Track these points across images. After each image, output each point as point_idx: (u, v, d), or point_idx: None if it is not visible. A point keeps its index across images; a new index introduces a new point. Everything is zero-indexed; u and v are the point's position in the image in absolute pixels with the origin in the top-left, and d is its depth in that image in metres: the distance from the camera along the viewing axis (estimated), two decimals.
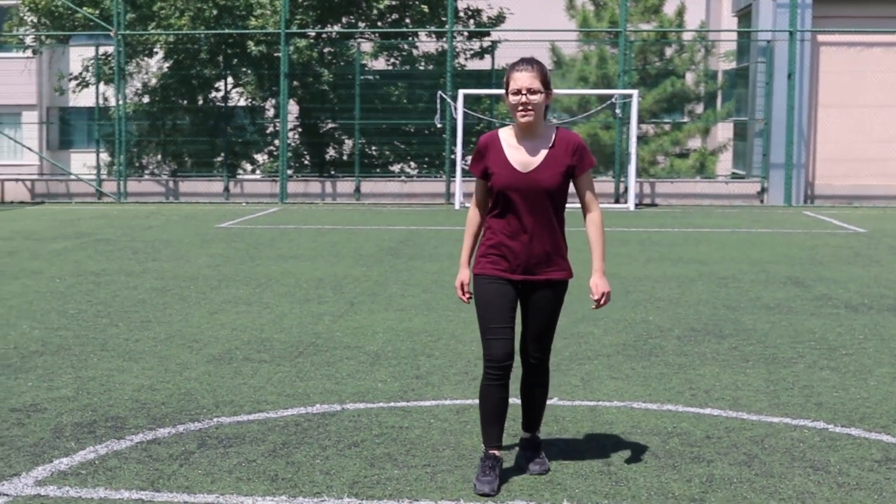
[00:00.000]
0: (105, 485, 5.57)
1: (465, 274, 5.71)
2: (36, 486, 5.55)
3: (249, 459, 6.02)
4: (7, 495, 5.42)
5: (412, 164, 31.20)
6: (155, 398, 7.37)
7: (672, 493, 5.48)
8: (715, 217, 23.19)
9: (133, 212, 24.58)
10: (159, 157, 31.56)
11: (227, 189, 28.19)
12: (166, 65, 30.76)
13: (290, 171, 28.78)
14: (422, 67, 31.26)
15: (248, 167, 32.11)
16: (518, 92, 5.44)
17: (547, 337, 5.76)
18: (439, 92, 26.83)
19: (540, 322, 5.67)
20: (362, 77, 28.63)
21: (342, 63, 29.70)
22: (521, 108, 5.45)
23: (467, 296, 5.70)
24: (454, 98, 26.55)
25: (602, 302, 5.70)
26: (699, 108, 34.09)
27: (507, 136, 5.60)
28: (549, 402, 7.28)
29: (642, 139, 32.04)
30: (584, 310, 10.98)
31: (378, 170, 30.46)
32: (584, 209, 5.67)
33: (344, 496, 5.43)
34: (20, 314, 10.64)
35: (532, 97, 5.43)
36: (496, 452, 5.62)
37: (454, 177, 26.36)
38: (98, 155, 29.34)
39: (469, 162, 5.72)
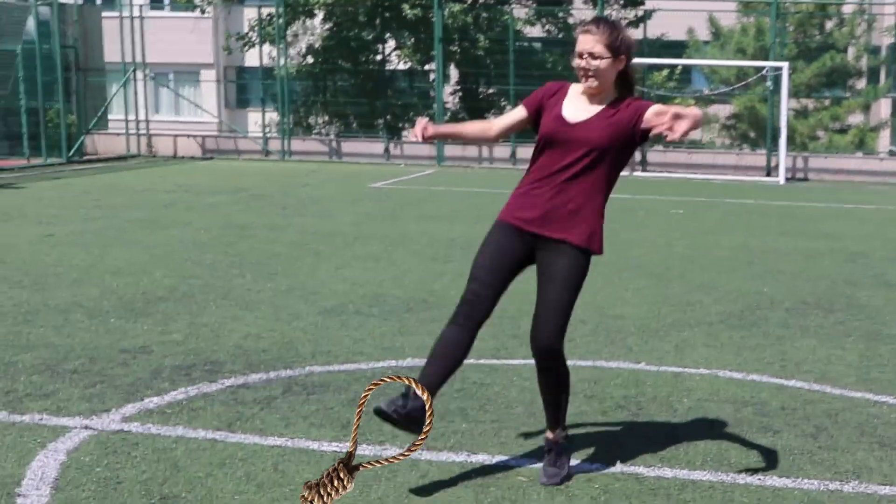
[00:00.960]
0: (185, 424, 5.93)
1: (423, 121, 5.17)
2: (121, 423, 5.93)
3: (328, 407, 6.31)
4: (94, 429, 5.81)
5: None
6: (257, 345, 7.74)
7: (728, 461, 5.57)
8: (864, 193, 22.67)
9: (294, 169, 25.26)
10: (325, 117, 32.23)
11: (387, 150, 28.68)
12: (326, 26, 31.35)
13: None
14: None
15: (409, 130, 32.54)
16: (580, 55, 4.99)
17: (556, 312, 5.07)
18: None
19: (550, 290, 5.06)
20: (517, 44, 28.72)
21: (497, 28, 29.84)
22: (581, 73, 5.02)
23: (420, 129, 5.15)
24: None
25: (675, 123, 4.66)
26: (860, 84, 33.22)
27: (575, 90, 5.14)
28: (635, 366, 7.43)
29: (801, 114, 31.42)
30: (699, 279, 11.01)
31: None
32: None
33: (405, 446, 5.66)
34: (158, 262, 11.18)
35: (594, 62, 4.95)
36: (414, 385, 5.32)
37: None
38: (264, 114, 30.16)
39: None
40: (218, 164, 26.54)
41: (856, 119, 33.16)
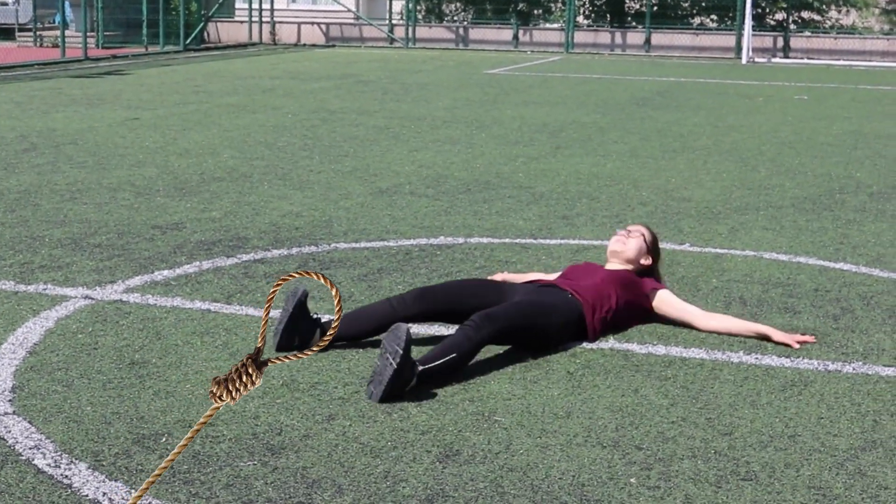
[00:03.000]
0: (184, 296, 5.86)
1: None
2: (122, 293, 5.89)
3: (336, 281, 6.17)
4: (92, 299, 5.78)
5: (709, 16, 30.28)
6: (294, 223, 7.63)
7: (734, 340, 5.25)
8: None
9: (413, 56, 25.04)
10: (458, 3, 31.84)
11: (516, 37, 28.22)
12: None
13: (582, 21, 28.50)
14: None
15: (541, 16, 31.97)
16: (626, 229, 5.71)
17: (517, 312, 4.91)
18: None
19: (525, 299, 5.07)
20: None
21: None
22: (619, 233, 5.68)
23: None
24: None
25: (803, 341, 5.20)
26: None
27: None
28: (678, 247, 7.13)
29: None
30: (790, 163, 10.57)
31: (671, 22, 29.71)
32: (696, 323, 5.36)
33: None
34: (230, 144, 11.15)
35: (633, 237, 5.63)
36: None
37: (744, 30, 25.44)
38: (390, 2, 29.92)
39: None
40: (337, 52, 26.48)
41: None
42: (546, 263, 6.61)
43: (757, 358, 5.01)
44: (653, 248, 5.58)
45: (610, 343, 5.18)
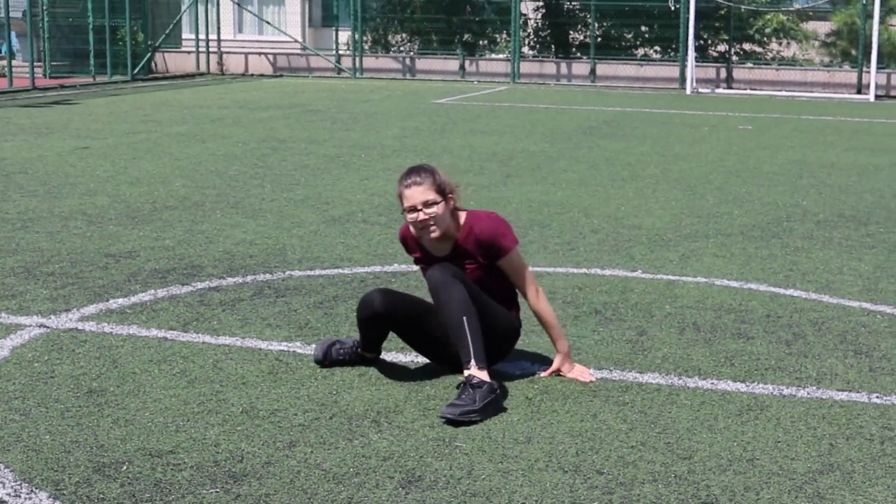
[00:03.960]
0: (140, 324, 5.83)
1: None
2: (77, 322, 5.85)
3: (292, 309, 6.17)
4: (47, 327, 5.74)
5: (653, 47, 30.57)
6: (247, 251, 7.62)
7: (690, 365, 5.32)
8: None
9: (361, 86, 25.10)
10: (403, 35, 31.94)
11: (462, 67, 28.35)
12: None
13: (527, 51, 28.69)
14: None
15: (486, 47, 32.14)
16: (413, 209, 4.85)
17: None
18: None
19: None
20: None
21: None
22: (421, 226, 4.87)
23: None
24: None
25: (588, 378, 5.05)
26: None
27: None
28: (630, 273, 7.18)
29: None
30: (737, 192, 10.68)
31: (616, 53, 29.98)
32: (526, 298, 5.06)
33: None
34: (180, 173, 11.12)
35: (430, 210, 4.82)
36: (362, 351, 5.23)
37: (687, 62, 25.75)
38: (337, 32, 29.98)
39: None
40: (285, 82, 26.48)
41: None
42: None
43: (713, 383, 5.06)
44: (440, 188, 4.89)
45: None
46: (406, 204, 4.88)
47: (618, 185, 10.96)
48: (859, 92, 25.77)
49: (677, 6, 26.41)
